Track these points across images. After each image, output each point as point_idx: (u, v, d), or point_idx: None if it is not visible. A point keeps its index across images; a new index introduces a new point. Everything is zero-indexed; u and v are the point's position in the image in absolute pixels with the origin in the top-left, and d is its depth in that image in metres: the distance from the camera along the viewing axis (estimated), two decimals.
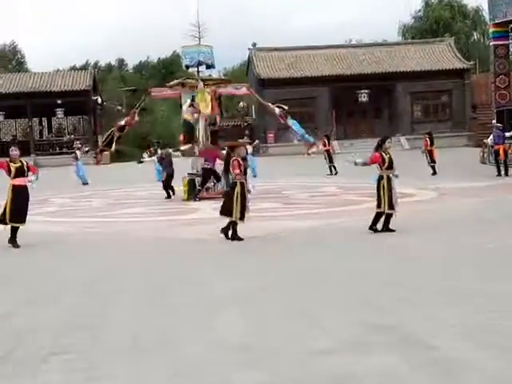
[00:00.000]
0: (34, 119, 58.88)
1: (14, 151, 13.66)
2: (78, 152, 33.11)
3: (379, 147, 13.63)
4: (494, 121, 33.37)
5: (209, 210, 18.50)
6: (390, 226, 13.55)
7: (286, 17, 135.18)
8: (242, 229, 14.12)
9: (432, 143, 29.32)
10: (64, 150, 55.03)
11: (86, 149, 38.09)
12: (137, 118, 22.33)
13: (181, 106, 23.07)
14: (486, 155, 33.27)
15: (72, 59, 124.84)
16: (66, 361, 6.10)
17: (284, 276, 9.81)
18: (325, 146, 31.35)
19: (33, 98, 54.55)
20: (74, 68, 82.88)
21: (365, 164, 14.05)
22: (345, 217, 16.35)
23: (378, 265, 10.41)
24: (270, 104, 23.76)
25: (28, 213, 13.68)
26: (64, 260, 12.07)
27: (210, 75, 25.78)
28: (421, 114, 56.13)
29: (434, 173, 28.40)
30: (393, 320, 7.02)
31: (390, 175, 13.45)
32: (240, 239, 13.18)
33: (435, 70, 54.40)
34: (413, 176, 26.88)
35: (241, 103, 27.65)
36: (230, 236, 13.31)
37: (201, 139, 22.67)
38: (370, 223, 13.50)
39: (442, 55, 56.63)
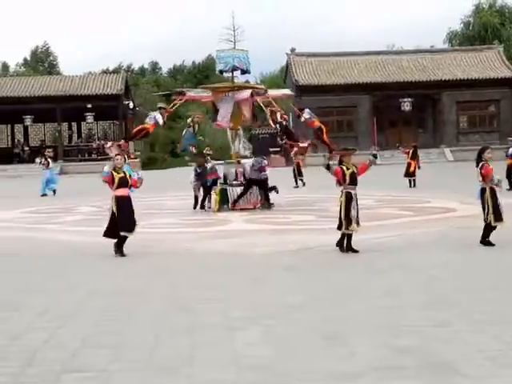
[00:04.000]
0: (64, 123, 57.45)
1: (120, 159, 13.18)
2: (49, 160, 31.61)
3: (478, 158, 12.88)
4: None
5: (241, 222, 18.29)
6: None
7: (325, 21, 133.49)
8: (274, 242, 14.20)
9: (413, 157, 29.65)
10: (93, 156, 53.35)
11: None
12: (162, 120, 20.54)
13: (216, 112, 21.84)
14: None
15: (105, 62, 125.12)
16: (80, 379, 5.86)
17: (314, 293, 9.29)
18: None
19: (62, 101, 53.77)
20: (106, 71, 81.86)
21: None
22: (381, 232, 15.35)
23: (413, 283, 9.76)
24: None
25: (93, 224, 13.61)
26: (87, 272, 11.61)
27: (247, 81, 24.07)
28: (467, 125, 54.38)
29: (410, 186, 29.05)
30: (422, 343, 6.63)
31: (493, 186, 12.77)
32: (354, 251, 12.55)
33: (483, 78, 52.74)
34: (456, 189, 25.29)
35: (278, 114, 25.97)
36: (344, 247, 12.67)
37: (236, 149, 22.15)
38: (480, 236, 12.91)
39: (490, 63, 54.82)
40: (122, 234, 12.88)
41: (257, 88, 23.49)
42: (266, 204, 21.19)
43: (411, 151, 29.86)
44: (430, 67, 54.11)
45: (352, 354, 6.36)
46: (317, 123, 21.88)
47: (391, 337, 6.88)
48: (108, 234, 12.97)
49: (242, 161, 21.98)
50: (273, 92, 23.44)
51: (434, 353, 6.30)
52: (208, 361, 6.24)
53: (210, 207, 21.54)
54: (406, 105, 51.69)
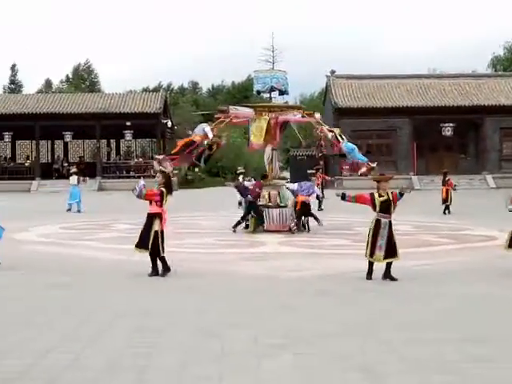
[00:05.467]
0: (103, 140, 57.70)
1: (158, 178, 13.52)
2: (75, 177, 31.88)
3: None
4: None
5: (275, 245, 18.09)
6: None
7: (366, 45, 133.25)
8: (307, 266, 13.97)
9: (443, 183, 29.73)
10: (131, 173, 53.46)
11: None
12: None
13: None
14: None
15: (145, 80, 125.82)
16: None
17: (346, 321, 8.94)
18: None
19: (102, 118, 54.06)
20: (146, 89, 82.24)
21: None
22: (418, 259, 14.96)
23: (451, 315, 9.38)
24: (324, 127, 22.13)
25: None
26: (117, 291, 11.48)
27: (286, 102, 23.90)
28: (510, 151, 53.20)
29: (444, 213, 28.67)
30: (460, 381, 6.28)
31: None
32: (393, 279, 12.19)
33: None
34: (497, 217, 24.74)
35: (315, 130, 25.84)
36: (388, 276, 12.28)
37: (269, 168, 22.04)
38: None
39: None
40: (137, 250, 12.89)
41: (293, 108, 23.27)
42: (305, 228, 21.13)
43: (442, 178, 30.11)
44: (473, 92, 53.37)
45: None
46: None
47: (428, 373, 6.52)
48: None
49: (287, 184, 21.90)
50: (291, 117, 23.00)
51: None
52: None
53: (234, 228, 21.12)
54: (448, 130, 50.94)
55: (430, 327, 8.55)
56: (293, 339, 7.87)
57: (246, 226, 21.36)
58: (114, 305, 10.13)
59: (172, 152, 21.94)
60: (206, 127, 20.32)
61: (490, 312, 9.63)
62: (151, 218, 12.76)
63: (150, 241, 12.54)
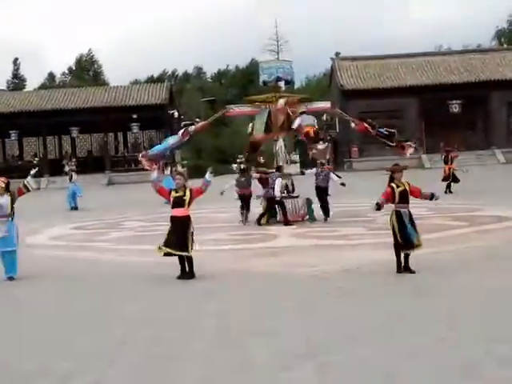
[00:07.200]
0: (110, 134, 57.57)
1: (179, 180, 12.96)
2: (73, 173, 31.68)
3: None
4: None
5: (289, 237, 17.91)
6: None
7: (370, 24, 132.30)
8: (324, 261, 13.72)
9: (446, 161, 29.80)
10: (140, 166, 53.27)
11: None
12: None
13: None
14: None
15: (149, 68, 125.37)
16: None
17: (368, 323, 8.73)
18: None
19: (108, 112, 53.86)
20: (151, 78, 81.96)
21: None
22: (434, 246, 14.62)
23: (471, 312, 9.13)
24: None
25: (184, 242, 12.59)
26: (133, 297, 11.28)
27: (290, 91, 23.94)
28: None
29: (449, 191, 28.96)
30: None
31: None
32: (411, 271, 12.04)
33: None
34: (509, 195, 24.52)
35: (324, 116, 25.80)
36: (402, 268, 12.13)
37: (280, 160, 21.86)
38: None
39: None
40: (164, 250, 12.54)
41: (293, 96, 23.06)
42: (326, 216, 21.00)
43: (443, 156, 30.42)
44: (479, 67, 52.97)
45: None
46: (309, 130, 21.14)
47: (453, 378, 6.39)
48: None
49: (306, 171, 21.88)
50: (311, 106, 22.90)
51: None
52: None
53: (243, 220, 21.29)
54: (455, 107, 50.67)
55: (450, 326, 8.32)
56: (316, 346, 7.67)
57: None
58: (131, 314, 9.94)
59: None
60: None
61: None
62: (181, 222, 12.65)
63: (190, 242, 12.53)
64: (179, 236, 12.47)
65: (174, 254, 12.49)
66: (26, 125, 53.48)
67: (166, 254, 12.56)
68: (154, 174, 13.39)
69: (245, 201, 21.42)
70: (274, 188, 20.35)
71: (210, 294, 11.24)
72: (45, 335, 8.92)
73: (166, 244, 12.43)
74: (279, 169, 21.22)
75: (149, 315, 9.81)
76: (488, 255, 13.61)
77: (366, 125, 21.25)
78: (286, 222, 20.06)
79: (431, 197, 12.75)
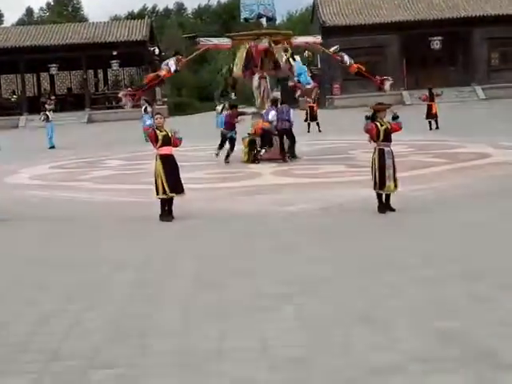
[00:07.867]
0: (89, 71, 56.91)
1: (160, 119, 12.86)
2: (49, 113, 31.89)
3: None
4: None
5: (268, 175, 17.97)
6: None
7: None
8: (303, 199, 13.72)
9: (432, 98, 29.90)
10: (120, 103, 52.89)
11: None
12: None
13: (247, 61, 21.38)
14: None
15: (129, 4, 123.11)
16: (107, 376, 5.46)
17: (345, 263, 8.78)
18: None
19: (88, 49, 52.88)
20: (131, 14, 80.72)
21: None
22: (414, 184, 14.79)
23: (450, 249, 9.21)
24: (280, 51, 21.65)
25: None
26: (115, 239, 11.27)
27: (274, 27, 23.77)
28: (499, 62, 52.60)
29: (430, 128, 29.58)
30: (469, 328, 6.11)
31: None
32: (391, 209, 12.12)
33: None
34: (489, 130, 24.64)
35: (305, 53, 25.57)
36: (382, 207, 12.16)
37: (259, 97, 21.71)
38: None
39: None
40: (171, 195, 12.52)
41: (282, 34, 22.84)
42: (291, 155, 20.87)
43: (428, 94, 30.16)
44: (461, 4, 52.51)
45: (392, 340, 5.89)
46: (355, 66, 21.51)
47: (432, 318, 6.40)
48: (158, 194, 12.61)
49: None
50: (300, 39, 22.76)
51: (477, 339, 5.82)
52: (238, 354, 5.81)
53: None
54: (436, 43, 50.34)
55: (429, 264, 8.38)
56: (295, 287, 7.65)
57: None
58: (114, 255, 9.90)
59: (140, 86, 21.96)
60: (170, 61, 19.93)
61: (489, 243, 9.46)
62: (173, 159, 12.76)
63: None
64: (177, 178, 12.62)
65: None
66: (3, 62, 52.40)
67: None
68: (128, 104, 13.26)
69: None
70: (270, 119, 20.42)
71: (189, 235, 11.26)
72: (23, 278, 8.86)
73: (172, 189, 12.42)
74: (275, 102, 21.06)
75: (127, 257, 9.76)
76: (467, 193, 13.71)
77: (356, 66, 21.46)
78: (284, 158, 20.35)
79: (394, 116, 12.55)
